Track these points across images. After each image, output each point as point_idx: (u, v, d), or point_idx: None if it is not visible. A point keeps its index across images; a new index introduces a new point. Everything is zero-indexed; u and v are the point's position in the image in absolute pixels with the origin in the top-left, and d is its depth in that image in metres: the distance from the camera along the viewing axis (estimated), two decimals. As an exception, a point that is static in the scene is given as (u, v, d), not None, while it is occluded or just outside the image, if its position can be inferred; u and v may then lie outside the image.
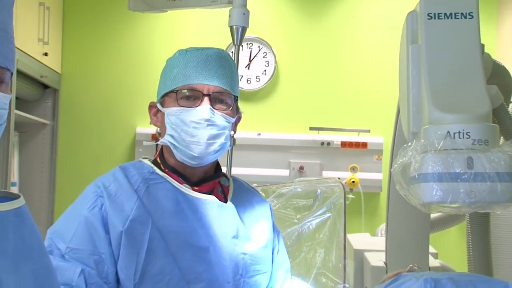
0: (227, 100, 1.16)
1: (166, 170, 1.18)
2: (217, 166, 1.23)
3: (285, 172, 3.18)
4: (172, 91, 1.15)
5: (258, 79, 3.29)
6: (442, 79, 0.96)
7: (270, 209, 1.30)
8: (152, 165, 1.18)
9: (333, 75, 3.29)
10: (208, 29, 3.22)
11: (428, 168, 0.87)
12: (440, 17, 0.99)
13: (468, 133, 0.88)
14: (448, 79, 0.96)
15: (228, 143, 1.16)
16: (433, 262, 1.66)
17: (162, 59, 1.25)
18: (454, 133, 0.88)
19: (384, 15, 3.23)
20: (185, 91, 1.14)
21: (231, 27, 1.83)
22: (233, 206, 1.19)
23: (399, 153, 0.94)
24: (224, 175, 1.26)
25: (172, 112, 1.15)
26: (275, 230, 1.29)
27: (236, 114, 1.21)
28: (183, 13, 3.17)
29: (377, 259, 1.64)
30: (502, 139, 1.08)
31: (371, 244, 1.86)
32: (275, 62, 3.27)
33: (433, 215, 1.88)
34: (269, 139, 3.21)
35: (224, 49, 3.05)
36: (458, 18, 0.99)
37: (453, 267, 1.92)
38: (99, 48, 3.31)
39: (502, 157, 0.85)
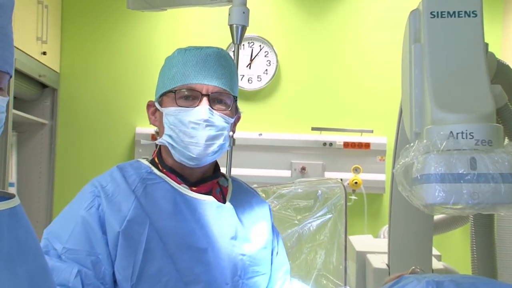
0: (226, 100, 1.16)
1: (164, 170, 1.17)
2: (215, 166, 1.23)
3: (286, 173, 3.17)
4: (170, 91, 1.15)
5: (259, 79, 3.27)
6: (445, 79, 0.95)
7: (270, 210, 1.30)
8: (150, 165, 1.18)
9: (335, 75, 3.28)
10: (208, 28, 3.21)
11: (430, 168, 0.86)
12: (443, 16, 0.98)
13: (471, 134, 0.87)
14: (451, 78, 0.95)
15: (227, 144, 1.15)
16: (436, 264, 1.65)
17: (161, 58, 1.24)
18: (457, 134, 0.87)
19: (387, 14, 3.22)
20: (184, 91, 1.13)
21: (230, 26, 1.83)
22: (231, 206, 1.18)
23: (401, 153, 0.93)
24: (223, 175, 1.25)
25: (170, 112, 1.14)
26: (275, 231, 1.28)
27: (235, 114, 1.20)
28: (183, 11, 3.16)
29: (379, 261, 1.63)
30: (506, 139, 1.06)
31: (374, 246, 1.86)
32: (277, 61, 3.25)
33: (436, 217, 1.87)
34: (270, 140, 3.20)
35: (225, 48, 3.04)
36: (461, 17, 0.98)
37: (457, 270, 1.91)
38: (98, 47, 3.30)
39: (506, 158, 0.84)
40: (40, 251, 0.83)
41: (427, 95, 0.94)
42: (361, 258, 1.77)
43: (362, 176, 3.13)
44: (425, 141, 0.90)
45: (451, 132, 0.87)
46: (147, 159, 1.21)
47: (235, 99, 1.19)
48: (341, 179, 1.91)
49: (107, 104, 3.28)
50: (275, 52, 3.25)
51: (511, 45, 3.05)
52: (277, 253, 1.26)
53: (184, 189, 1.14)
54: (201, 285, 1.08)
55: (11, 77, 0.79)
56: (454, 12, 0.98)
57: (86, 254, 1.04)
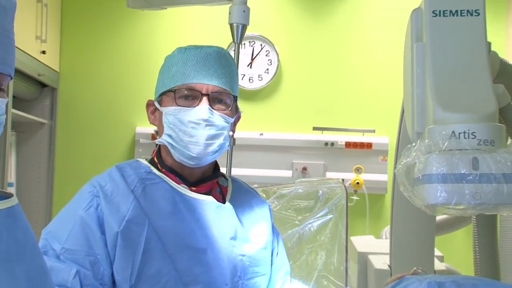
0: (226, 100, 1.15)
1: (164, 170, 1.16)
2: (215, 166, 1.22)
3: (288, 173, 3.16)
4: (170, 90, 1.14)
5: (260, 78, 3.27)
6: (447, 78, 0.94)
7: (270, 210, 1.29)
8: (149, 164, 1.17)
9: (337, 74, 3.26)
10: (209, 27, 3.20)
11: (432, 169, 0.85)
12: (445, 15, 0.98)
13: (473, 133, 0.86)
14: (453, 77, 0.94)
15: (227, 144, 1.15)
16: (438, 265, 1.64)
17: (162, 57, 1.23)
18: (459, 133, 0.86)
19: (389, 13, 3.20)
20: (184, 90, 1.13)
21: (231, 25, 1.82)
22: (231, 207, 1.18)
23: (403, 153, 0.93)
24: (223, 175, 1.25)
25: (170, 112, 1.13)
26: (275, 231, 1.28)
27: (235, 114, 1.19)
28: (183, 10, 3.15)
29: (381, 262, 1.63)
30: (509, 139, 1.05)
31: (375, 246, 1.85)
32: (278, 60, 3.24)
33: (439, 218, 1.86)
34: (271, 139, 3.19)
35: (226, 47, 3.03)
36: (463, 16, 0.97)
37: (460, 271, 1.90)
38: (98, 46, 3.29)
39: (509, 158, 0.84)
40: (39, 251, 0.83)
41: (429, 94, 0.94)
42: (363, 259, 1.77)
43: (364, 177, 3.12)
44: (427, 141, 0.89)
45: (453, 132, 0.87)
46: (146, 159, 1.20)
47: (235, 98, 1.18)
48: (343, 180, 1.91)
49: (107, 104, 3.27)
50: (276, 51, 3.24)
51: (514, 45, 3.04)
52: (277, 254, 1.25)
53: (183, 189, 1.14)
54: (201, 286, 1.08)
55: (11, 78, 0.79)
56: (456, 11, 0.97)
57: (85, 254, 1.04)
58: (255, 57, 3.26)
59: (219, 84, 1.13)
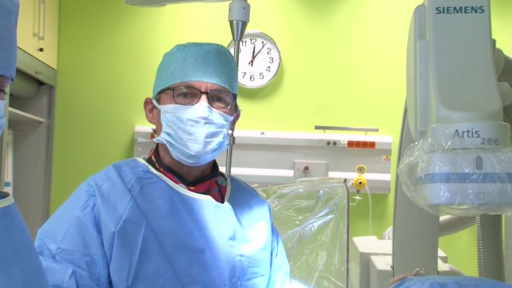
0: (226, 98, 1.14)
1: (161, 169, 1.16)
2: (214, 165, 1.21)
3: (289, 173, 3.15)
4: (168, 88, 1.13)
5: (261, 76, 3.25)
6: (451, 76, 0.93)
7: (269, 210, 1.28)
8: (147, 163, 1.16)
9: (339, 72, 3.25)
10: (210, 24, 3.18)
11: (435, 168, 0.84)
12: (449, 11, 0.97)
13: (477, 132, 0.85)
14: (457, 75, 0.93)
15: (226, 142, 1.14)
16: (442, 266, 1.63)
17: (161, 55, 1.22)
18: (463, 132, 0.85)
19: (392, 10, 3.19)
20: (182, 88, 1.12)
21: (231, 22, 1.81)
22: (230, 206, 1.17)
23: (405, 152, 0.92)
24: (222, 174, 1.24)
25: (168, 110, 1.13)
26: (274, 231, 1.27)
27: (234, 112, 1.19)
28: (183, 7, 3.14)
29: (383, 263, 1.62)
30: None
31: (378, 247, 1.84)
32: (280, 58, 3.23)
33: (442, 218, 1.85)
34: (273, 139, 3.18)
35: (227, 45, 3.01)
36: (468, 12, 0.96)
37: (464, 272, 1.88)
38: (97, 44, 3.27)
39: (513, 157, 0.82)
40: (35, 252, 0.83)
41: (432, 92, 0.93)
42: (365, 260, 1.76)
43: (367, 176, 3.10)
44: (429, 140, 0.88)
45: (456, 130, 0.86)
46: (144, 158, 1.19)
47: (234, 97, 1.17)
48: (345, 179, 1.89)
49: (106, 102, 3.26)
50: (277, 49, 3.23)
51: (520, 43, 3.02)
52: (276, 254, 1.24)
53: (181, 189, 1.13)
54: (199, 286, 1.07)
55: (12, 80, 0.79)
56: (460, 8, 0.96)
57: (81, 254, 1.03)
58: (256, 55, 3.24)
59: (218, 82, 1.12)
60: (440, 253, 1.61)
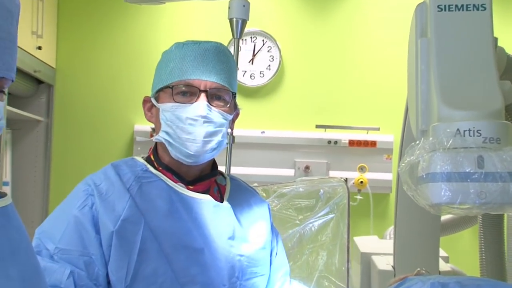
0: (225, 96, 1.14)
1: (160, 168, 1.15)
2: (213, 164, 1.21)
3: (290, 172, 3.14)
4: (167, 86, 1.13)
5: (262, 75, 3.24)
6: (452, 74, 0.93)
7: (269, 209, 1.28)
8: (146, 162, 1.16)
9: (340, 71, 3.24)
10: (210, 22, 3.17)
11: (436, 167, 0.84)
12: (450, 9, 0.96)
13: (478, 131, 0.85)
14: (459, 74, 0.93)
15: (225, 141, 1.13)
16: (443, 266, 1.62)
17: (160, 54, 1.21)
18: (464, 131, 0.85)
19: (393, 9, 3.18)
20: (181, 86, 1.11)
21: (230, 20, 1.81)
22: (229, 206, 1.16)
23: (406, 151, 0.91)
24: (221, 173, 1.24)
25: (167, 108, 1.12)
26: (274, 231, 1.26)
27: (234, 111, 1.18)
28: (183, 5, 3.13)
29: (384, 263, 1.61)
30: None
31: (379, 247, 1.83)
32: (280, 56, 3.22)
33: (444, 218, 1.84)
34: (273, 138, 3.17)
35: (227, 43, 3.00)
36: (469, 10, 0.96)
37: (466, 272, 1.88)
38: (96, 42, 3.26)
39: (515, 156, 0.81)
40: (32, 252, 0.83)
41: (434, 91, 0.92)
42: (366, 260, 1.75)
43: (368, 175, 3.09)
44: (431, 138, 0.88)
45: (458, 129, 0.85)
46: (143, 157, 1.19)
47: (234, 95, 1.17)
48: (346, 179, 1.88)
49: (105, 101, 3.25)
50: (278, 47, 3.22)
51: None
52: (276, 254, 1.24)
53: (180, 188, 1.12)
54: (198, 286, 1.06)
55: (13, 81, 0.79)
56: (462, 5, 0.96)
57: (79, 254, 1.03)
58: (256, 53, 3.23)
59: (217, 80, 1.12)
60: (442, 253, 1.61)
